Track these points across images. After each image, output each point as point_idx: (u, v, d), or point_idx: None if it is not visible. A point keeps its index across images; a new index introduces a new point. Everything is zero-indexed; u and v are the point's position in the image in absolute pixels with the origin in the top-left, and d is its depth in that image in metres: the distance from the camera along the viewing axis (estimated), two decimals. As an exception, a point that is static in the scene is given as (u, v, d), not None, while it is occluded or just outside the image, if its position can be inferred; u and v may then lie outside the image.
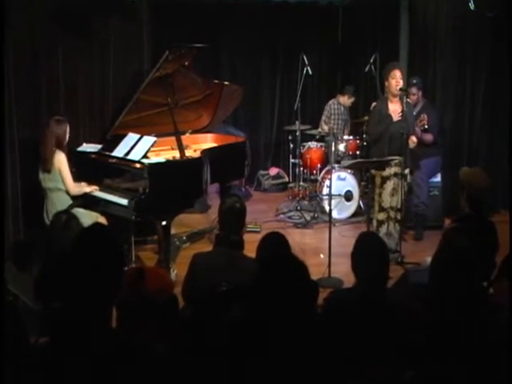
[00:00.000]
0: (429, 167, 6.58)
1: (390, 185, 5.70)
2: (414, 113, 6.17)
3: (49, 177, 5.16)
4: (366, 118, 7.17)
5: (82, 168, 5.42)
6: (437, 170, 6.75)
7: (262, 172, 8.87)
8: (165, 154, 5.69)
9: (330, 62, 9.32)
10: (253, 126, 8.99)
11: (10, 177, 5.23)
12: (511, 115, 6.63)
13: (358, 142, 7.72)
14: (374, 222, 5.81)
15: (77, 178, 5.27)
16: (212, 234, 5.99)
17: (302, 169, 7.82)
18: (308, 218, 7.15)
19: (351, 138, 7.76)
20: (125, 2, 6.07)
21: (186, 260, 3.90)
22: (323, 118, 8.18)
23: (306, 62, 7.75)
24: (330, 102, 8.19)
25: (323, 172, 7.60)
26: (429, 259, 3.05)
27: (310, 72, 7.79)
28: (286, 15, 8.75)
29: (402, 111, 5.60)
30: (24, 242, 5.27)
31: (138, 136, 5.30)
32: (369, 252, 2.98)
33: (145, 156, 5.10)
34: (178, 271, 5.07)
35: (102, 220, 5.01)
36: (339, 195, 7.16)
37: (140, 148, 5.16)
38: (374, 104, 6.49)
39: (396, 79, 5.62)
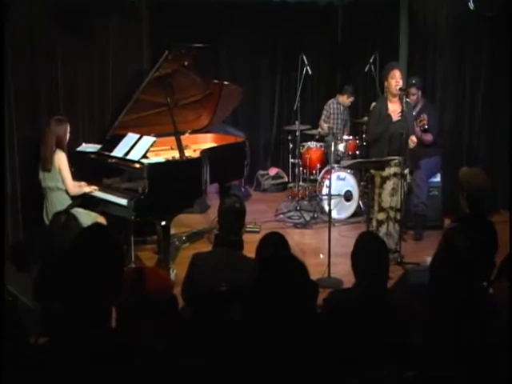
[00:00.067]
0: (428, 167, 6.57)
1: (389, 185, 5.69)
2: (414, 113, 6.16)
3: (49, 176, 5.16)
4: (366, 118, 7.17)
5: (82, 168, 5.42)
6: (436, 170, 6.75)
7: (261, 172, 8.87)
8: (164, 153, 5.69)
9: (330, 62, 9.32)
10: (252, 125, 8.99)
11: (10, 177, 5.22)
12: (511, 115, 6.63)
13: (357, 141, 7.73)
14: (374, 222, 5.81)
15: (76, 177, 5.27)
16: (211, 234, 5.99)
17: (301, 169, 7.81)
18: (307, 218, 7.15)
19: (351, 137, 7.76)
20: (124, 2, 6.08)
21: (185, 260, 3.91)
22: (323, 117, 8.17)
23: (306, 62, 7.74)
24: (330, 101, 8.18)
25: (323, 172, 7.59)
26: (429, 259, 3.05)
27: (310, 72, 7.78)
28: (285, 15, 8.75)
29: (402, 111, 5.60)
30: (24, 242, 5.27)
31: (137, 136, 5.31)
32: (369, 252, 2.98)
33: (144, 156, 5.10)
34: (177, 271, 5.07)
35: (102, 220, 5.01)
36: (339, 195, 7.16)
37: (139, 148, 5.17)
38: (373, 104, 6.48)
39: (395, 79, 5.62)
